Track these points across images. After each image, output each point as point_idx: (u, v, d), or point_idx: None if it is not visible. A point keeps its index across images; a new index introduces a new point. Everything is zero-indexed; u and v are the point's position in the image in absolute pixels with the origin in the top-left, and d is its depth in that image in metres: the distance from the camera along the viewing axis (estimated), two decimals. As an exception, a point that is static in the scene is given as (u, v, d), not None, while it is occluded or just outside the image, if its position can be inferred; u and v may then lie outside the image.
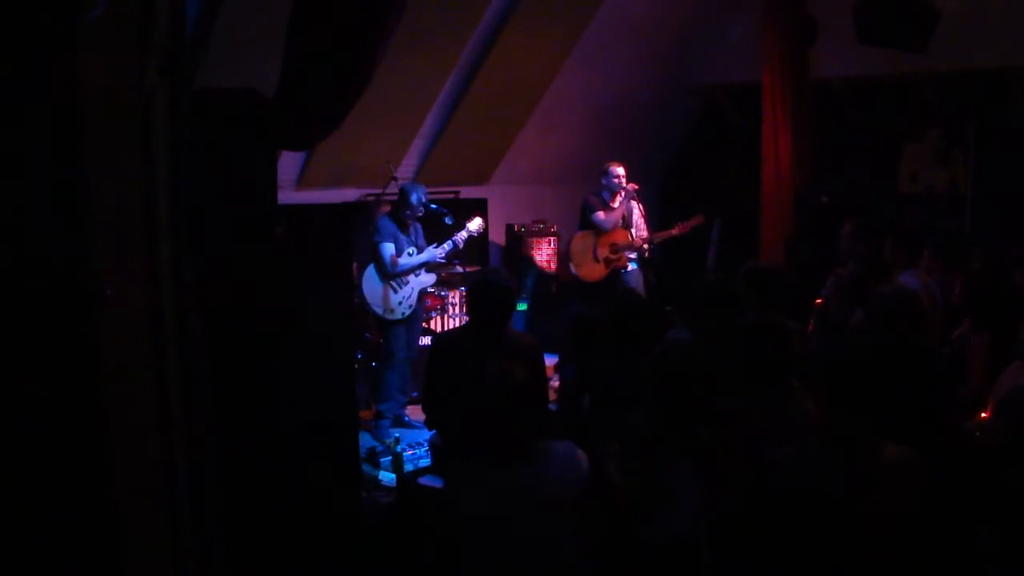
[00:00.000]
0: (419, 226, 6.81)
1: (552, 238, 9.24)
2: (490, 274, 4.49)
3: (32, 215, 2.69)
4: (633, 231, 7.69)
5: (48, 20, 2.62)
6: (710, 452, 3.33)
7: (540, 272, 9.12)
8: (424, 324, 7.40)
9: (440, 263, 6.92)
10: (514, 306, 4.52)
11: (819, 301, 5.49)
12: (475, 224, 6.97)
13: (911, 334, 4.13)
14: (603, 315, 4.41)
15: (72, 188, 2.71)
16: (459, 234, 6.82)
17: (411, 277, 6.65)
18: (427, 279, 6.82)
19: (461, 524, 3.02)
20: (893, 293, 4.39)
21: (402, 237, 6.64)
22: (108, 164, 2.79)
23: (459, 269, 7.75)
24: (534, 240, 9.19)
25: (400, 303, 6.58)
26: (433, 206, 6.81)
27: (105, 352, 2.79)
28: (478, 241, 7.50)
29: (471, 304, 4.56)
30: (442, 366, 4.39)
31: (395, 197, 6.82)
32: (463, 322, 7.38)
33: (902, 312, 4.17)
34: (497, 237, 9.30)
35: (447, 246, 6.77)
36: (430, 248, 6.74)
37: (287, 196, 7.17)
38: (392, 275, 6.53)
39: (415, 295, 6.66)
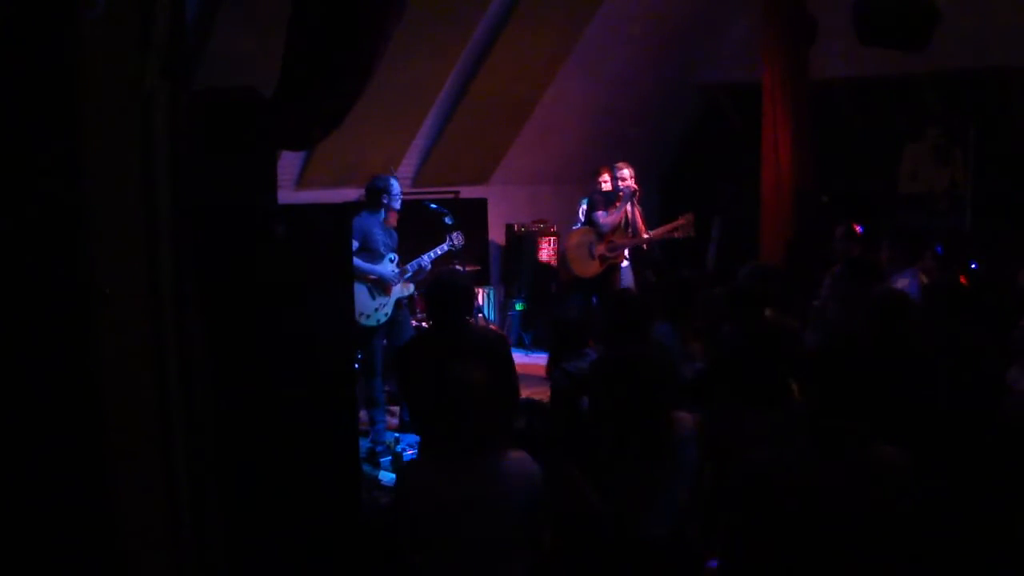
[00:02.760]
0: (395, 233, 6.56)
1: (552, 238, 9.24)
2: (444, 275, 4.53)
3: (32, 215, 2.69)
4: (630, 232, 7.69)
5: (48, 20, 2.62)
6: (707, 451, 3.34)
7: (540, 271, 9.13)
8: (421, 324, 7.36)
9: (417, 271, 6.62)
10: (470, 304, 4.50)
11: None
12: (457, 240, 6.79)
13: (905, 334, 4.14)
14: (584, 316, 4.44)
15: (72, 188, 2.71)
16: (425, 256, 6.59)
17: (395, 286, 6.44)
18: (405, 290, 6.57)
19: (409, 521, 3.05)
20: (887, 293, 4.40)
21: (378, 234, 6.38)
22: (108, 164, 2.80)
23: (459, 269, 7.73)
24: (534, 240, 9.20)
25: (377, 309, 6.37)
26: (433, 206, 6.77)
27: (105, 352, 2.79)
28: (479, 241, 7.45)
29: (428, 306, 4.58)
30: (409, 368, 4.43)
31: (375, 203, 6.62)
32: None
33: (896, 312, 4.17)
34: (497, 237, 9.31)
35: (411, 267, 6.52)
36: (391, 266, 6.46)
37: (287, 196, 7.16)
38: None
39: (391, 303, 6.44)
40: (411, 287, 6.68)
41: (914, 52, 6.76)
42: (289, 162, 7.46)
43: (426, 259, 6.59)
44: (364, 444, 6.03)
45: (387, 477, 5.76)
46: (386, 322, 6.42)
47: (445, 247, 6.73)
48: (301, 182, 7.84)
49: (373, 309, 6.38)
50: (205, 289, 3.22)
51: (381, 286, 6.40)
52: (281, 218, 3.95)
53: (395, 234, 6.58)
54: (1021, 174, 7.97)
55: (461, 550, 3.00)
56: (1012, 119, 8.29)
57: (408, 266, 6.53)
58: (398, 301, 6.52)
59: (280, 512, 3.80)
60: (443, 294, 4.35)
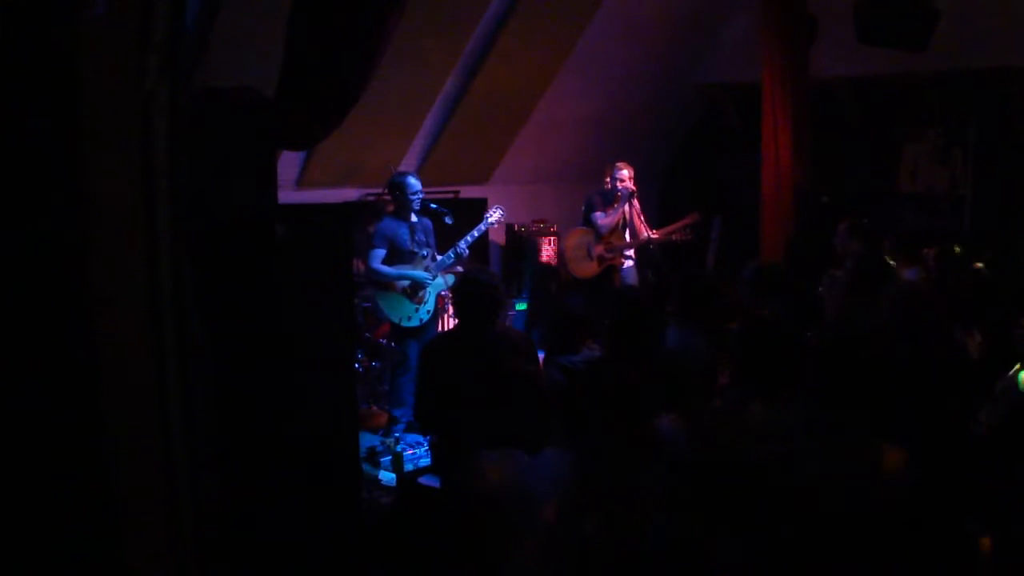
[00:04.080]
0: (429, 224, 6.54)
1: (552, 238, 9.24)
2: (474, 273, 4.51)
3: (32, 215, 2.69)
4: (627, 233, 7.67)
5: (48, 20, 2.62)
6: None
7: (540, 272, 9.12)
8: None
9: (457, 257, 6.61)
10: (500, 304, 4.49)
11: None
12: (494, 215, 6.75)
13: (915, 332, 4.13)
14: (587, 313, 4.44)
15: (72, 188, 2.71)
16: (461, 241, 6.54)
17: (428, 282, 6.40)
18: (442, 282, 6.56)
19: (484, 508, 3.03)
20: (903, 288, 4.38)
21: (405, 235, 6.38)
22: (108, 164, 2.79)
23: (460, 268, 7.73)
24: (534, 240, 9.20)
25: (417, 309, 6.38)
26: (433, 206, 6.76)
27: (105, 352, 2.79)
28: (479, 241, 7.42)
29: (457, 304, 4.57)
30: (433, 370, 4.40)
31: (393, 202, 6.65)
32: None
33: (910, 310, 4.16)
34: (497, 237, 9.31)
35: (447, 256, 6.49)
36: (425, 262, 6.46)
37: (287, 196, 7.16)
38: (368, 280, 6.36)
39: (432, 300, 6.45)
40: (451, 277, 6.61)
41: (914, 52, 6.76)
42: (289, 162, 7.45)
43: (462, 244, 6.55)
44: (365, 443, 6.03)
45: (387, 477, 5.76)
46: (428, 320, 6.41)
47: (482, 227, 6.69)
48: (301, 182, 7.84)
49: (413, 310, 6.38)
50: (205, 289, 3.21)
51: (415, 289, 6.38)
52: (281, 218, 3.95)
53: (429, 224, 6.52)
54: (1021, 174, 7.97)
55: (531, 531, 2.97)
56: (1012, 119, 8.29)
57: (444, 256, 6.50)
58: (439, 295, 6.52)
59: (280, 512, 3.80)
60: (469, 293, 4.32)
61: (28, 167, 2.67)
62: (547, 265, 9.19)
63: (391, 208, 6.71)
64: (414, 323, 6.38)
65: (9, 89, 2.61)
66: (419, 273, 6.37)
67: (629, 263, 7.74)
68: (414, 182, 6.41)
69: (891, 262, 5.66)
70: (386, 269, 6.31)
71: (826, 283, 5.73)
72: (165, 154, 2.89)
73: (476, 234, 6.67)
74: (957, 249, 5.97)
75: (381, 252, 6.32)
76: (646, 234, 7.62)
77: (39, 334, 2.69)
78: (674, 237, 7.66)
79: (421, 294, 6.39)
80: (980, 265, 5.77)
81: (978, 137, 8.21)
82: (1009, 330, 4.27)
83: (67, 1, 2.62)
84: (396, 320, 6.39)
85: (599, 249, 7.62)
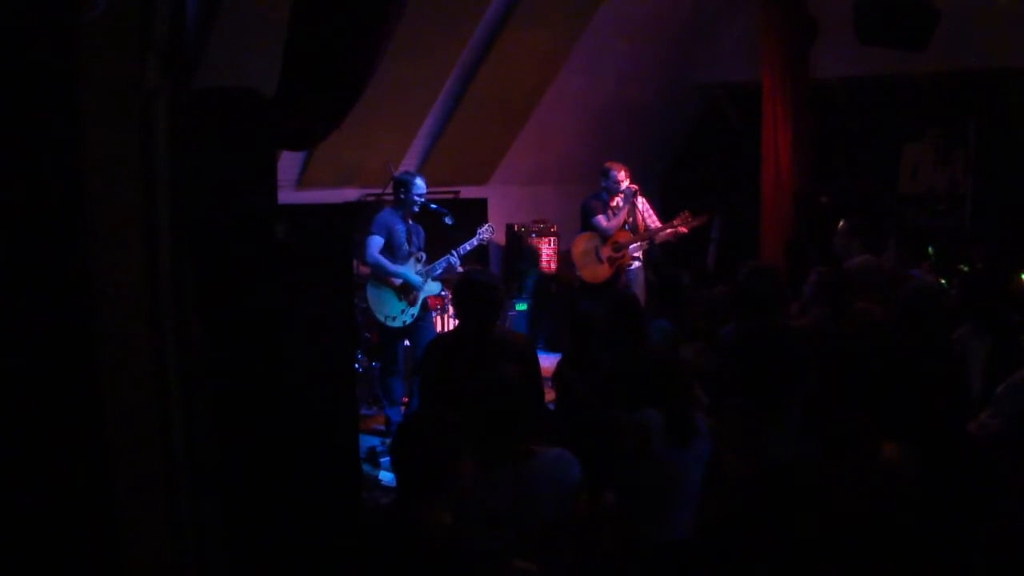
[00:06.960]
0: (420, 229, 6.54)
1: (552, 238, 9.24)
2: (474, 273, 4.49)
3: (32, 215, 2.69)
4: (627, 228, 7.65)
5: (48, 20, 2.62)
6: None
7: (540, 272, 9.11)
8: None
9: (447, 269, 6.56)
10: (501, 304, 4.48)
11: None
12: (486, 232, 6.71)
13: (932, 332, 4.11)
14: (602, 313, 4.44)
15: (72, 188, 2.71)
16: (453, 252, 6.49)
17: (419, 286, 6.39)
18: (432, 287, 6.54)
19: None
20: (921, 289, 4.34)
21: (401, 231, 6.34)
22: (108, 164, 2.79)
23: (459, 268, 7.72)
24: (534, 240, 9.20)
25: (403, 311, 6.36)
26: (433, 206, 6.76)
27: (105, 352, 2.79)
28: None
29: (457, 304, 4.56)
30: (434, 369, 4.40)
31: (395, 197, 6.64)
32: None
33: (928, 309, 4.13)
34: (497, 237, 9.30)
35: (439, 265, 6.46)
36: (418, 265, 6.43)
37: (287, 196, 7.15)
38: (365, 265, 6.30)
39: (419, 304, 6.42)
40: (439, 285, 6.62)
41: (914, 52, 6.76)
42: (289, 162, 7.45)
43: (455, 256, 6.52)
44: (365, 444, 6.03)
45: (387, 477, 5.76)
46: (411, 323, 6.40)
47: (475, 241, 6.63)
48: (301, 182, 7.84)
49: (399, 311, 6.35)
50: (205, 289, 3.21)
51: (407, 289, 6.36)
52: (281, 218, 3.95)
53: (422, 231, 6.51)
54: (1021, 174, 7.97)
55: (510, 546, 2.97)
56: (1012, 119, 8.28)
57: (436, 264, 6.47)
58: (424, 301, 6.47)
59: (280, 512, 3.80)
60: (470, 293, 4.32)
61: (29, 167, 2.67)
62: (547, 265, 9.18)
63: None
64: (398, 324, 6.34)
65: (9, 89, 2.61)
66: (413, 275, 6.36)
67: (636, 264, 7.72)
68: (419, 183, 6.38)
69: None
70: (384, 262, 6.27)
71: (813, 279, 5.64)
72: (165, 154, 2.89)
73: (468, 247, 6.63)
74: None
75: (379, 240, 6.25)
76: (648, 225, 7.59)
77: (39, 334, 2.69)
78: (682, 229, 7.60)
79: (412, 296, 6.37)
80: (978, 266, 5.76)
81: (978, 137, 8.19)
82: (1016, 331, 4.26)
83: (67, 1, 2.62)
84: (380, 318, 6.34)
85: (607, 251, 7.60)
